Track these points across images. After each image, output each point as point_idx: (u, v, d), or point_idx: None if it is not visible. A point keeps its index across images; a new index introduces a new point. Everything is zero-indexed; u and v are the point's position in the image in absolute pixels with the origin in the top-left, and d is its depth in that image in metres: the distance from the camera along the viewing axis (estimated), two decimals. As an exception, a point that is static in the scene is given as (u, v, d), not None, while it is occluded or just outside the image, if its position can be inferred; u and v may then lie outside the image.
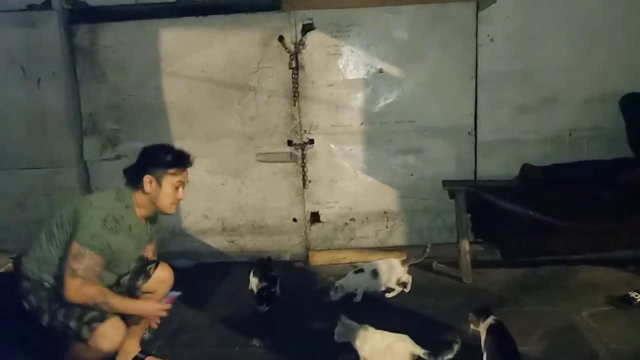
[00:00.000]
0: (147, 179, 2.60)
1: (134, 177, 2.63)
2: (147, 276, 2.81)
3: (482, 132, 4.43)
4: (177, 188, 2.66)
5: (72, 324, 2.44)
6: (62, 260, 2.47)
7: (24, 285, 2.57)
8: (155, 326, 2.79)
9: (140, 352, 2.95)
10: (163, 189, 2.61)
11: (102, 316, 2.44)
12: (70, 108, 4.56)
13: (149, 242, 2.88)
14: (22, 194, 4.71)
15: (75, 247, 2.41)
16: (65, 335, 2.50)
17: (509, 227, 4.05)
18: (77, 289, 2.39)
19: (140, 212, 2.67)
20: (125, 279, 2.79)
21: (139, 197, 2.64)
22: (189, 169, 2.74)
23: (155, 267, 2.86)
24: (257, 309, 3.58)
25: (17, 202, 4.72)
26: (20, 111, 4.57)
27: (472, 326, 2.86)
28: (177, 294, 2.81)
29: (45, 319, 2.51)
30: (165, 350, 3.09)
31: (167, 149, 2.71)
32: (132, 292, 2.78)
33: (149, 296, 2.81)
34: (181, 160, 2.67)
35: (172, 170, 2.62)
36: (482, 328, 2.79)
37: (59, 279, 2.47)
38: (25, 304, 2.57)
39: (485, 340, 2.73)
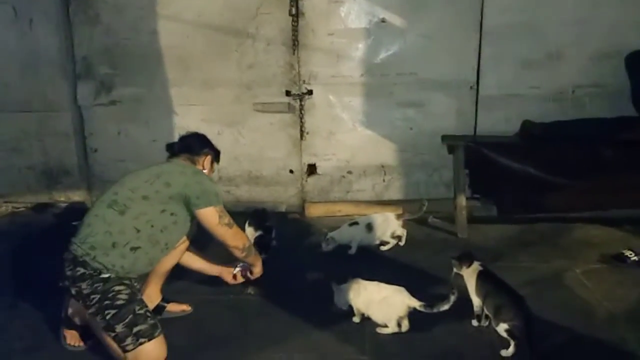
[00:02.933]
0: (208, 158, 2.87)
1: (195, 153, 2.83)
2: None
3: (484, 86, 4.35)
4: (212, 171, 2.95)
5: (119, 329, 2.35)
6: (142, 228, 2.48)
7: (77, 271, 2.41)
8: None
9: (162, 300, 3.01)
10: (211, 173, 2.90)
11: (152, 332, 2.38)
12: (63, 50, 4.46)
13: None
14: (15, 137, 4.67)
15: (212, 211, 2.60)
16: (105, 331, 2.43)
17: (507, 183, 4.04)
18: (237, 234, 2.77)
19: None
20: None
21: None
22: None
23: None
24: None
25: (10, 146, 4.68)
26: (11, 53, 4.49)
27: (455, 270, 2.86)
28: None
29: (91, 311, 2.41)
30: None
31: (215, 152, 2.98)
32: None
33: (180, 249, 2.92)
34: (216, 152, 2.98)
35: (216, 162, 2.97)
36: (469, 274, 2.80)
37: (133, 251, 2.46)
38: (72, 289, 2.44)
39: (477, 285, 2.74)
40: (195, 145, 2.87)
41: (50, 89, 4.53)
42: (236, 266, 3.04)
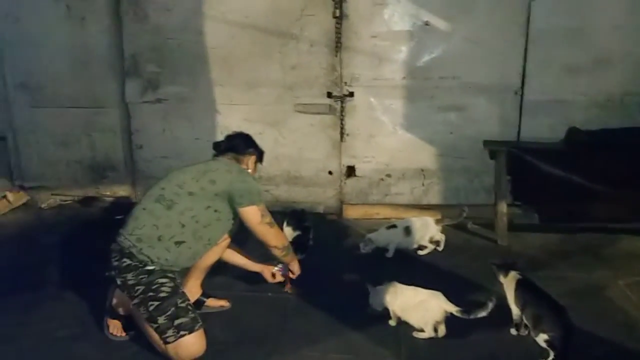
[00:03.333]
0: (253, 158, 2.95)
1: (240, 153, 2.91)
2: None
3: (529, 91, 4.28)
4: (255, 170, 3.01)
5: (161, 320, 2.42)
6: (187, 223, 2.58)
7: (123, 262, 2.51)
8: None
9: (202, 294, 3.08)
10: (254, 168, 2.96)
11: (192, 326, 2.46)
12: (113, 48, 4.58)
13: None
14: (64, 132, 4.82)
15: (255, 210, 2.68)
16: (147, 322, 2.50)
17: (550, 191, 3.95)
18: (278, 234, 2.84)
19: None
20: None
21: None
22: None
23: None
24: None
25: (59, 140, 4.83)
26: (63, 50, 4.62)
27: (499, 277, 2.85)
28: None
29: (135, 302, 2.49)
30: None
31: (259, 151, 3.05)
32: None
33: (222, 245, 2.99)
34: (262, 154, 3.06)
35: (261, 162, 3.05)
36: (507, 282, 2.77)
37: (178, 245, 2.56)
38: (118, 279, 2.53)
39: (516, 294, 2.71)
40: (240, 145, 2.94)
41: (99, 86, 4.66)
42: (276, 265, 3.10)
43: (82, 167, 4.86)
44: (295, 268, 3.05)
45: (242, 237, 2.98)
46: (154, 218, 2.56)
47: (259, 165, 3.03)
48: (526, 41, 4.20)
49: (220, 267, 3.15)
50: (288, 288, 3.26)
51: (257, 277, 3.18)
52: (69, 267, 3.62)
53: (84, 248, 3.85)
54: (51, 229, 4.38)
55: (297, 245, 3.62)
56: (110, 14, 4.50)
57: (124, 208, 2.95)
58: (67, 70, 4.65)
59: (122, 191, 4.88)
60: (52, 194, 4.92)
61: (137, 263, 2.50)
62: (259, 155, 3.02)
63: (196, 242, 2.62)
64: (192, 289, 3.00)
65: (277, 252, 2.87)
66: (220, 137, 4.58)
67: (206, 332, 2.52)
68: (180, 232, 2.56)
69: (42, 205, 4.86)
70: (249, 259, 3.13)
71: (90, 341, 2.82)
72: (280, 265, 3.10)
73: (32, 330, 2.91)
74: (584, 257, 3.73)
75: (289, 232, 3.81)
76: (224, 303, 3.12)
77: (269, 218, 2.75)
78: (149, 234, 2.53)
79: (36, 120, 4.80)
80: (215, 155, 2.93)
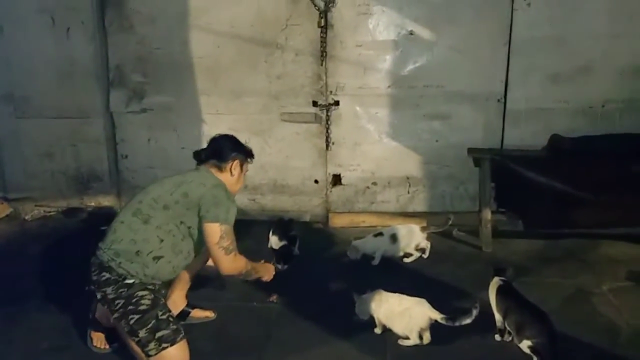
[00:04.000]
0: (236, 163, 2.79)
1: (222, 160, 2.77)
2: None
3: (512, 100, 4.33)
4: (244, 175, 2.91)
5: (142, 333, 2.39)
6: (164, 238, 2.53)
7: (102, 276, 2.48)
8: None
9: (186, 305, 3.04)
10: (239, 177, 2.83)
11: (174, 338, 2.42)
12: (98, 59, 4.57)
13: None
14: (49, 143, 4.79)
15: (216, 227, 2.54)
16: (128, 336, 2.47)
17: (534, 197, 4.00)
18: (233, 262, 2.62)
19: None
20: None
21: (220, 177, 2.75)
22: None
23: None
24: (276, 267, 3.63)
25: (44, 151, 4.80)
26: (48, 60, 4.60)
27: None
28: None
29: (116, 315, 2.46)
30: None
31: (246, 151, 2.92)
32: None
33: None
34: (253, 153, 2.94)
35: (250, 160, 2.91)
36: (490, 288, 2.80)
37: (156, 260, 2.52)
38: (97, 293, 2.51)
39: (497, 300, 2.74)
40: (222, 151, 2.81)
41: (84, 96, 4.64)
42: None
43: (67, 178, 4.83)
44: (265, 278, 2.99)
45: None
46: (132, 232, 2.52)
47: (247, 166, 2.92)
48: (509, 50, 4.25)
49: (205, 278, 3.15)
50: (274, 298, 3.27)
51: (242, 287, 3.18)
52: (53, 279, 3.59)
53: (68, 259, 3.81)
54: (35, 240, 4.34)
55: (282, 254, 3.64)
56: (95, 25, 4.48)
57: (109, 218, 2.94)
58: (52, 81, 4.63)
59: (107, 201, 4.85)
60: (36, 205, 4.88)
61: (116, 277, 2.47)
62: (245, 155, 2.88)
63: (175, 256, 2.59)
64: (177, 300, 2.98)
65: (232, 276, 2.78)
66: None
67: (190, 343, 2.51)
68: (158, 246, 2.52)
69: (26, 217, 4.82)
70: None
71: (74, 353, 2.81)
72: None
73: (16, 342, 2.90)
74: (567, 263, 3.77)
75: (275, 241, 3.81)
76: (209, 314, 3.10)
77: (228, 242, 2.57)
78: (127, 248, 2.50)
79: (20, 131, 4.77)
80: (198, 164, 2.84)
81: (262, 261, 3.04)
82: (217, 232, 2.54)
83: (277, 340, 2.91)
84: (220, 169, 2.78)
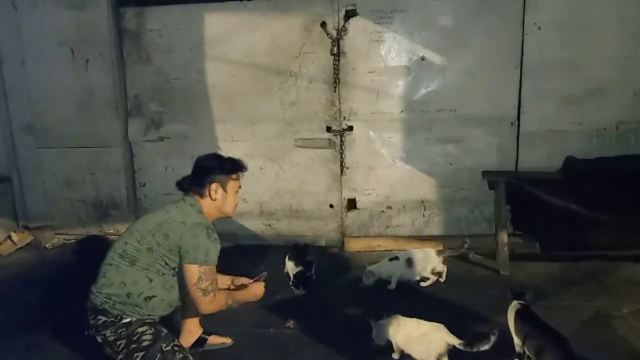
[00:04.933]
0: (214, 186, 2.68)
1: (200, 186, 2.69)
2: None
3: (525, 122, 4.35)
4: (236, 192, 2.78)
5: None
6: (153, 277, 2.54)
7: (99, 319, 2.50)
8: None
9: (203, 332, 3.05)
10: (228, 195, 2.72)
11: None
12: (116, 89, 4.68)
13: None
14: (68, 172, 4.89)
15: (194, 269, 2.51)
16: None
17: (550, 220, 3.99)
18: (211, 303, 2.58)
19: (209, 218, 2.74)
20: None
21: (204, 204, 2.69)
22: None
23: None
24: (292, 292, 3.64)
25: (64, 180, 4.89)
26: (68, 91, 4.73)
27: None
28: (264, 274, 2.96)
29: (121, 357, 2.47)
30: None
31: (222, 157, 2.79)
32: None
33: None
34: (239, 166, 2.78)
35: (234, 176, 2.75)
36: (509, 311, 2.77)
37: (148, 300, 2.53)
38: (98, 337, 2.53)
39: (516, 325, 2.71)
40: (199, 176, 2.71)
41: (103, 126, 4.75)
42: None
43: (86, 206, 4.91)
44: (254, 299, 2.91)
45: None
46: (120, 275, 2.53)
47: (236, 182, 2.76)
48: (520, 73, 4.29)
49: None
50: (290, 324, 3.27)
51: (259, 312, 3.18)
52: (71, 308, 3.61)
53: (87, 288, 3.85)
54: (54, 268, 4.39)
55: (299, 280, 3.65)
56: (114, 56, 4.61)
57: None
58: (71, 111, 4.75)
59: (126, 229, 4.90)
60: (56, 234, 4.96)
61: (112, 318, 2.49)
62: (225, 173, 2.72)
63: (167, 293, 2.59)
64: (192, 328, 3.00)
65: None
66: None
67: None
68: (148, 287, 2.53)
69: (46, 245, 4.89)
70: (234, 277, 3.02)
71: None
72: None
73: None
74: (586, 286, 3.73)
75: (291, 266, 3.83)
76: (225, 340, 3.11)
77: (206, 284, 2.53)
78: (118, 292, 2.51)
79: (41, 161, 4.88)
80: (185, 194, 2.76)
81: (251, 281, 2.94)
82: (195, 274, 2.51)
83: (295, 366, 2.91)
84: (202, 196, 2.69)
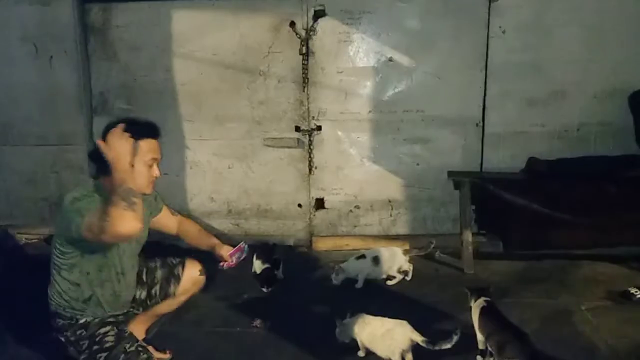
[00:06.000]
0: (109, 178, 2.18)
1: (101, 163, 2.20)
2: (178, 279, 2.79)
3: (489, 123, 4.44)
4: (150, 166, 2.40)
5: None
6: (78, 281, 2.41)
7: (57, 322, 2.48)
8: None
9: (143, 339, 2.87)
10: (136, 170, 2.23)
11: None
12: (81, 86, 4.60)
13: (152, 214, 2.77)
14: (31, 170, 4.79)
15: (85, 226, 2.11)
16: None
17: (513, 219, 4.06)
18: (113, 225, 1.99)
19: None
20: (156, 289, 2.77)
21: (116, 182, 2.09)
22: (159, 142, 2.45)
23: (183, 267, 2.82)
24: (259, 291, 3.64)
25: (27, 179, 4.80)
26: (31, 88, 4.63)
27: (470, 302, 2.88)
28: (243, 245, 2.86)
29: (84, 357, 2.42)
30: (168, 328, 3.15)
31: (130, 122, 2.27)
32: (167, 298, 2.81)
33: (182, 298, 2.84)
34: (145, 131, 2.37)
35: (139, 144, 2.30)
36: (474, 308, 2.82)
37: (87, 302, 2.45)
38: (61, 337, 2.49)
39: (480, 321, 2.76)
40: (99, 161, 2.23)
41: (67, 123, 4.67)
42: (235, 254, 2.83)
43: (50, 205, 4.81)
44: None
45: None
46: (57, 284, 2.44)
47: (142, 155, 2.32)
48: (485, 75, 4.37)
49: (189, 304, 3.13)
50: (257, 323, 3.27)
51: (225, 312, 3.18)
52: (34, 309, 3.53)
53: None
54: (17, 268, 4.29)
55: (265, 278, 3.65)
56: (79, 53, 4.53)
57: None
58: (34, 108, 4.66)
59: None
60: (18, 233, 4.85)
61: (69, 320, 2.46)
62: (134, 135, 2.19)
63: (103, 287, 2.47)
64: (136, 333, 2.77)
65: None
66: (189, 173, 4.69)
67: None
68: (80, 291, 2.44)
69: (8, 245, 4.77)
70: (206, 237, 2.89)
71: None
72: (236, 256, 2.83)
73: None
74: (547, 283, 3.82)
75: (258, 265, 3.81)
76: (163, 356, 2.91)
77: (96, 230, 2.06)
78: (60, 301, 2.46)
79: (3, 159, 4.77)
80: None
81: (230, 252, 2.80)
82: (89, 226, 2.09)
83: (261, 365, 2.91)
84: (106, 174, 2.23)
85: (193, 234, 2.91)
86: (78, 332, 2.44)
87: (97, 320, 2.47)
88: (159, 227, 2.85)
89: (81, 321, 2.45)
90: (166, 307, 2.87)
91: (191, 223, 2.96)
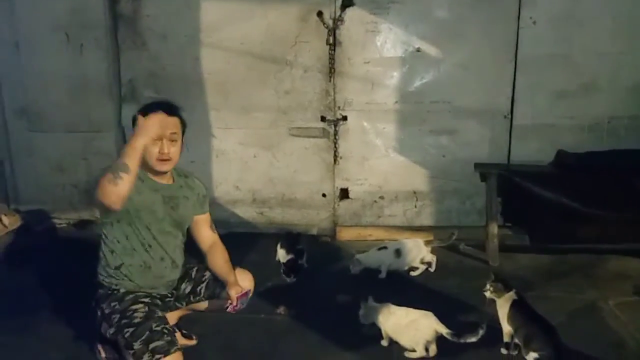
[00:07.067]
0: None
1: None
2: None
3: (518, 116, 4.38)
4: (154, 141, 2.47)
5: (137, 346, 2.37)
6: (112, 247, 2.57)
7: (98, 293, 2.60)
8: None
9: (175, 324, 2.90)
10: (145, 146, 2.39)
11: (168, 348, 2.37)
12: (111, 74, 4.66)
13: (196, 211, 2.81)
14: (61, 157, 4.86)
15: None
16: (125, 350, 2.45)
17: (540, 212, 4.03)
18: (100, 194, 2.25)
19: (150, 174, 2.59)
20: (202, 287, 2.81)
21: (142, 163, 2.43)
22: (173, 120, 2.56)
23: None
24: (283, 280, 3.67)
25: (56, 165, 4.87)
26: (62, 76, 4.69)
27: (488, 294, 2.83)
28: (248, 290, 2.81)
29: (111, 331, 2.48)
30: (193, 314, 3.18)
31: (148, 104, 2.55)
32: (212, 299, 2.85)
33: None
34: (152, 109, 2.48)
35: (144, 115, 2.44)
36: (502, 302, 2.79)
37: (118, 270, 2.57)
38: (97, 311, 2.57)
39: (510, 314, 2.74)
40: None
41: (96, 111, 4.73)
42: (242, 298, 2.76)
43: (79, 191, 4.90)
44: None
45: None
46: (101, 249, 2.62)
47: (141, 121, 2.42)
48: (515, 67, 4.31)
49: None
50: (281, 310, 3.30)
51: (251, 299, 3.18)
52: (63, 291, 3.63)
53: (78, 272, 3.86)
54: (46, 252, 4.40)
55: (290, 267, 3.68)
56: (109, 42, 4.59)
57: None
58: (65, 96, 4.72)
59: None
60: (48, 218, 4.95)
61: (106, 290, 2.56)
62: (135, 120, 2.49)
63: (131, 257, 2.57)
64: (168, 317, 2.80)
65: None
66: (215, 161, 4.73)
67: (200, 354, 2.53)
68: (112, 258, 2.58)
69: (38, 229, 4.88)
70: (229, 273, 2.79)
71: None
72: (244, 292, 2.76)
73: (27, 354, 2.93)
74: (574, 278, 3.77)
75: (282, 254, 3.85)
76: (188, 342, 2.95)
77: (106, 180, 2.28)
78: (100, 268, 2.62)
79: (33, 145, 4.86)
80: None
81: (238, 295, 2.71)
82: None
83: (285, 352, 2.93)
84: None
85: (218, 261, 2.81)
86: (112, 304, 2.51)
87: (131, 295, 2.53)
88: (193, 232, 2.85)
89: (116, 293, 2.53)
90: (207, 305, 2.90)
91: (223, 250, 2.86)
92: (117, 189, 2.23)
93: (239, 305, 2.71)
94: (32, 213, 4.94)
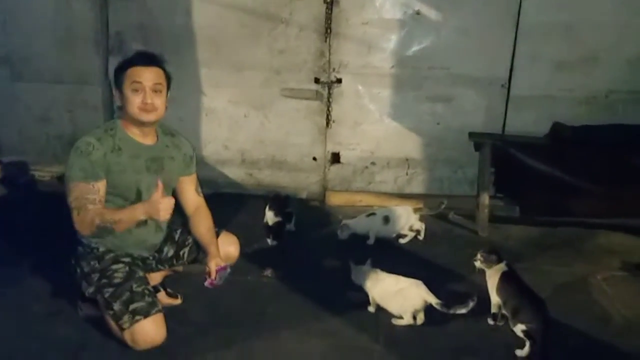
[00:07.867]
0: (115, 93, 2.48)
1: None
2: None
3: (516, 85, 4.29)
4: (136, 90, 2.39)
5: (116, 306, 2.34)
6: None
7: (78, 250, 2.54)
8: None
9: (159, 283, 2.88)
10: (126, 97, 2.40)
11: (148, 310, 2.34)
12: (98, 25, 4.49)
13: (180, 172, 2.70)
14: (45, 107, 4.73)
15: (66, 187, 2.38)
16: (105, 310, 2.42)
17: (532, 184, 4.00)
18: (78, 221, 2.33)
19: (133, 131, 2.50)
20: (185, 251, 2.75)
21: (126, 117, 2.47)
22: (155, 70, 2.45)
23: (217, 237, 2.75)
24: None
25: (40, 116, 4.74)
26: (48, 25, 4.52)
27: (478, 264, 2.80)
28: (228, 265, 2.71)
29: (90, 290, 2.44)
30: (177, 275, 3.13)
31: (129, 56, 2.49)
32: (194, 263, 2.79)
33: None
34: (132, 59, 2.44)
35: (125, 73, 2.40)
36: (492, 272, 2.77)
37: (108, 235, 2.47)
38: (77, 269, 2.52)
39: (499, 286, 2.72)
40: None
41: (83, 62, 4.57)
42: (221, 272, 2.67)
43: (62, 143, 4.76)
44: (157, 216, 2.40)
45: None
46: None
47: (127, 82, 2.40)
48: (515, 35, 4.20)
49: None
50: (268, 272, 3.26)
51: (237, 261, 3.15)
52: (45, 244, 3.55)
53: (61, 226, 3.78)
54: (28, 204, 4.30)
55: (274, 230, 3.63)
56: (97, -10, 4.40)
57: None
58: (50, 46, 4.55)
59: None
60: (30, 170, 4.84)
61: (86, 248, 2.50)
62: (118, 71, 2.44)
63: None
64: (151, 277, 2.78)
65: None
66: (204, 119, 4.62)
67: (184, 314, 2.49)
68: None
69: (20, 181, 4.76)
70: (211, 244, 2.70)
71: (66, 318, 2.77)
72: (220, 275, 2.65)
73: (9, 306, 2.87)
74: (563, 251, 3.76)
75: (270, 216, 3.78)
76: (173, 301, 2.88)
77: (70, 200, 2.36)
78: None
79: (17, 94, 4.70)
80: None
81: (218, 268, 2.63)
82: (67, 191, 2.37)
83: (271, 314, 2.90)
84: (120, 110, 2.54)
85: (201, 228, 2.71)
86: (92, 263, 2.45)
87: (111, 255, 2.47)
88: (177, 194, 2.71)
89: (96, 251, 2.46)
90: (190, 269, 2.84)
91: (207, 216, 2.75)
92: (94, 230, 2.34)
93: (217, 280, 2.61)
94: (14, 164, 4.81)
